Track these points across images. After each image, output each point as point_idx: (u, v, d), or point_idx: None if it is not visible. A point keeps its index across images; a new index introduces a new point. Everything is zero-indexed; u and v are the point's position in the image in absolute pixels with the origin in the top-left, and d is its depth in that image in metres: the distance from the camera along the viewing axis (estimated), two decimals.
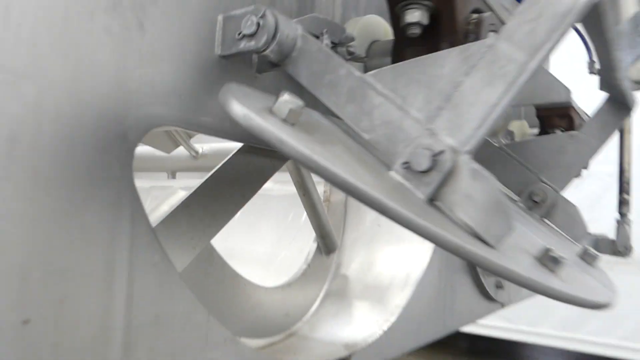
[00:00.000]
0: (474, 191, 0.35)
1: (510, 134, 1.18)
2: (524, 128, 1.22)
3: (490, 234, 0.36)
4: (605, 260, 2.75)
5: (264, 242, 1.06)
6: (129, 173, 0.38)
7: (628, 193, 1.13)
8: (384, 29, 0.62)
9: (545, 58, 0.35)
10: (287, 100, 0.33)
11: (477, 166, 0.36)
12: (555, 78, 0.95)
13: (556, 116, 0.96)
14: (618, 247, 1.09)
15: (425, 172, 0.36)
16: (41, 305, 0.33)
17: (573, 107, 0.96)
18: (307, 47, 0.44)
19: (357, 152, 0.38)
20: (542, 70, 0.94)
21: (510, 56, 0.35)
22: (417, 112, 0.38)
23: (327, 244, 0.87)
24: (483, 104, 0.35)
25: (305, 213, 0.90)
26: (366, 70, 0.60)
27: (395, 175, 0.37)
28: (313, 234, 0.92)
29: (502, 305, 1.19)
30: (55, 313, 0.34)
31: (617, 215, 1.24)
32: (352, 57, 0.56)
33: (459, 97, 0.37)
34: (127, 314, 0.38)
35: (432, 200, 0.37)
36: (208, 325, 0.44)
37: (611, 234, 4.04)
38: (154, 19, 0.41)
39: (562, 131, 0.94)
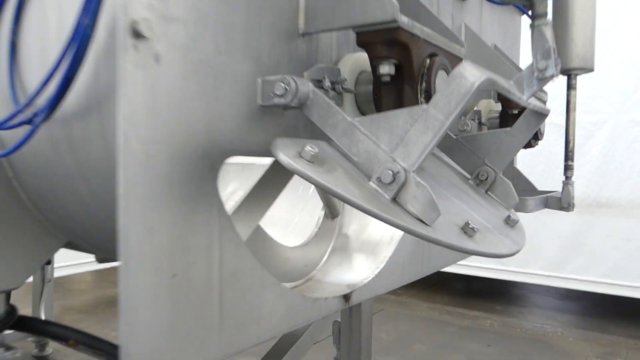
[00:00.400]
0: (417, 194, 0.62)
1: (478, 113, 1.43)
2: (490, 105, 1.47)
3: (427, 218, 0.62)
4: (588, 205, 3.11)
5: (281, 209, 1.33)
6: (215, 185, 0.65)
7: (572, 160, 1.38)
8: (368, 63, 0.87)
9: (456, 118, 0.61)
10: (308, 150, 0.60)
11: (418, 179, 0.62)
12: None
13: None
14: (563, 204, 1.35)
15: (389, 183, 0.63)
16: (180, 265, 0.60)
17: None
18: (316, 99, 0.69)
19: (350, 170, 0.65)
20: None
21: (435, 117, 0.61)
22: (384, 146, 0.64)
23: (331, 211, 1.15)
24: (421, 144, 0.62)
25: (312, 187, 1.17)
26: (356, 97, 0.85)
27: (372, 185, 0.64)
28: (319, 203, 1.19)
29: (475, 252, 1.47)
30: (188, 269, 0.61)
31: (564, 178, 1.47)
32: (345, 90, 0.82)
33: (408, 139, 0.63)
34: (220, 269, 0.65)
35: (394, 199, 0.63)
36: (262, 274, 0.72)
37: (596, 176, 4.37)
38: (225, 88, 0.66)
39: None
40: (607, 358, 3.63)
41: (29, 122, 0.76)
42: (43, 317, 3.26)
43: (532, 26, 0.76)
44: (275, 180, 0.85)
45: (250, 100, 0.70)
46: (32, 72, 0.84)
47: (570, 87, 1.34)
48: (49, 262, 3.28)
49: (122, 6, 0.54)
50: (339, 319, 2.11)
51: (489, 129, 1.34)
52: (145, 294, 0.57)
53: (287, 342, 1.86)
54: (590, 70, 1.34)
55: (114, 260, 1.34)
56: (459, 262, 4.35)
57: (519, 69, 1.55)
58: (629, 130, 4.22)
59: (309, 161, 0.59)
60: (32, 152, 0.86)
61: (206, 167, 0.64)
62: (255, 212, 0.81)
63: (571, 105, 1.36)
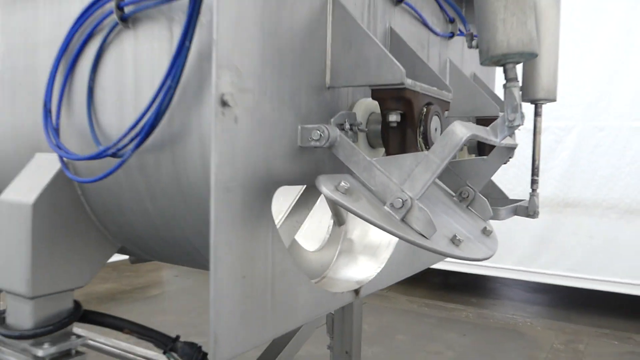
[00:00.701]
0: (419, 216, 0.85)
1: None
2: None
3: (427, 233, 0.85)
4: (557, 204, 3.43)
5: None
6: (270, 208, 0.87)
7: (537, 175, 1.63)
8: (376, 105, 1.09)
9: (448, 162, 0.84)
10: (342, 185, 0.82)
11: (421, 205, 0.85)
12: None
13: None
14: (529, 212, 1.60)
15: (399, 208, 0.86)
16: (247, 269, 0.82)
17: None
18: (342, 142, 0.92)
19: (370, 197, 0.87)
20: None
21: (433, 160, 0.84)
22: (395, 180, 0.87)
23: (339, 220, 1.37)
24: (423, 180, 0.85)
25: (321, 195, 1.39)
26: (367, 134, 1.07)
27: (387, 208, 0.87)
28: (327, 212, 1.42)
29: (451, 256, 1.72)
30: (252, 272, 0.83)
31: (531, 189, 1.71)
32: (360, 130, 1.04)
33: (413, 175, 0.86)
34: (272, 271, 0.88)
35: (402, 219, 0.86)
36: (299, 274, 0.94)
37: (564, 177, 4.67)
38: (277, 136, 0.88)
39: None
40: (570, 345, 3.96)
41: (113, 155, 0.97)
42: None
43: (504, 87, 1.00)
44: (307, 202, 1.07)
45: (293, 143, 0.92)
46: (107, 113, 1.04)
47: (536, 114, 1.58)
48: None
49: (214, 84, 0.75)
50: (332, 312, 2.35)
51: (469, 149, 1.58)
52: (226, 290, 0.79)
53: (291, 331, 2.09)
54: (554, 100, 1.58)
55: (146, 260, 1.53)
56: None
57: (494, 94, 1.79)
58: (593, 135, 4.54)
59: (343, 193, 0.82)
60: (99, 172, 1.06)
61: (265, 195, 0.86)
62: (293, 227, 1.03)
63: (537, 130, 1.60)
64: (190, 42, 0.85)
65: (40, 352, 1.07)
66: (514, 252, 4.86)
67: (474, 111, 1.54)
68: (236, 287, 0.81)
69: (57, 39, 1.11)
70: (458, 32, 1.59)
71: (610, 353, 3.81)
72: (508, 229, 4.77)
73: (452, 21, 1.57)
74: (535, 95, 1.53)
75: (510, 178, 4.35)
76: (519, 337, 4.12)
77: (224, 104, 0.76)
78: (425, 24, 1.40)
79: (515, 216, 1.53)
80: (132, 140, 0.94)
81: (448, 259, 4.43)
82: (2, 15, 1.24)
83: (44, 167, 1.12)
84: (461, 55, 1.67)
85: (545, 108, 3.84)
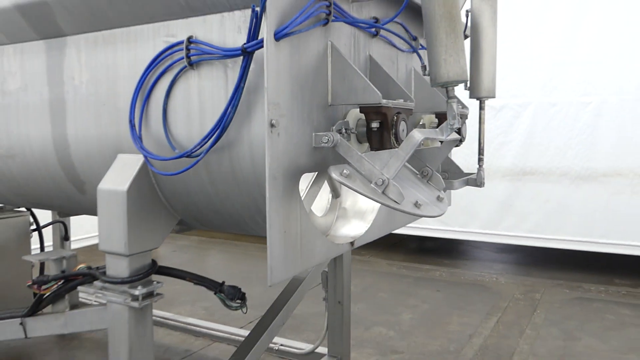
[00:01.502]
0: (393, 189, 1.35)
1: (423, 125, 2.15)
2: (432, 118, 2.20)
3: (399, 200, 1.36)
4: (516, 173, 4.12)
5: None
6: (298, 187, 1.36)
7: (483, 154, 2.13)
8: (362, 115, 1.58)
9: (410, 154, 1.34)
10: (345, 172, 1.31)
11: (394, 182, 1.35)
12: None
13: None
14: (477, 183, 2.11)
15: (380, 185, 1.35)
16: (286, 226, 1.32)
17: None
18: (342, 143, 1.40)
19: (361, 178, 1.37)
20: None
21: (401, 154, 1.34)
22: (377, 167, 1.37)
23: (335, 194, 1.87)
24: (394, 166, 1.35)
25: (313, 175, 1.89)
26: (357, 135, 1.56)
27: (373, 186, 1.36)
28: (327, 189, 1.92)
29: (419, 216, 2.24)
30: (289, 228, 1.32)
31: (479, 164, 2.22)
32: (352, 133, 1.53)
33: (389, 164, 1.35)
34: (300, 227, 1.37)
35: (383, 192, 1.36)
36: (316, 231, 1.44)
37: (522, 149, 5.29)
38: (300, 142, 1.36)
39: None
40: (529, 294, 4.58)
41: (188, 156, 1.44)
42: None
43: (447, 102, 1.49)
44: (318, 183, 1.56)
45: (310, 145, 1.40)
46: (178, 127, 1.51)
47: (481, 108, 2.08)
48: (67, 239, 3.88)
49: (266, 114, 1.23)
50: (326, 270, 2.86)
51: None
52: (275, 239, 1.28)
53: (294, 284, 2.60)
54: (493, 97, 2.07)
55: (192, 229, 2.00)
56: (412, 225, 5.20)
57: None
58: (547, 111, 5.10)
59: (345, 177, 1.31)
60: (174, 169, 1.53)
61: (295, 179, 1.35)
62: (310, 199, 1.51)
63: (481, 120, 2.10)
64: (244, 84, 1.32)
65: (136, 292, 1.56)
66: (480, 217, 5.45)
67: (434, 107, 2.04)
68: (280, 238, 1.30)
69: (134, 74, 1.56)
70: (419, 47, 2.07)
71: (561, 300, 4.44)
72: (475, 197, 5.34)
73: (414, 39, 2.05)
74: (479, 94, 2.03)
75: (475, 150, 4.90)
76: (485, 291, 4.73)
77: (272, 125, 1.24)
78: (394, 46, 1.88)
79: (481, 187, 2.01)
80: (201, 145, 1.41)
81: (423, 226, 5.05)
82: (87, 54, 1.68)
83: (129, 165, 1.59)
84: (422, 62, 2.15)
85: (505, 87, 4.54)
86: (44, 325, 1.91)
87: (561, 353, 3.39)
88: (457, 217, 5.45)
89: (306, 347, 3.05)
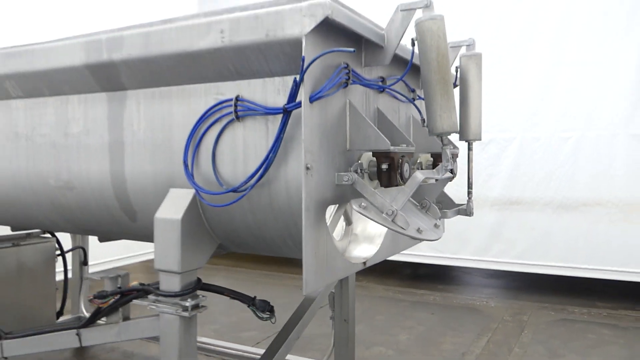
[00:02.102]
0: (400, 218, 1.69)
1: (420, 163, 2.51)
2: (427, 157, 2.56)
3: (404, 227, 1.70)
4: (504, 203, 4.54)
5: None
6: (325, 215, 1.70)
7: (472, 188, 2.49)
8: (373, 158, 1.93)
9: (414, 190, 1.69)
10: (363, 204, 1.66)
11: (401, 213, 1.69)
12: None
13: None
14: (467, 212, 2.47)
15: (390, 215, 1.70)
16: (317, 244, 1.65)
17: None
18: (358, 181, 1.75)
19: (375, 209, 1.72)
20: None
21: (406, 190, 1.69)
22: (388, 201, 1.72)
23: (348, 221, 2.22)
24: (402, 200, 1.70)
25: (335, 206, 2.24)
26: (369, 174, 1.91)
27: (384, 215, 1.71)
28: (339, 219, 2.26)
29: (419, 241, 2.58)
30: (319, 246, 1.66)
31: (468, 196, 2.58)
32: (365, 172, 1.88)
33: (397, 198, 1.70)
34: (327, 247, 1.71)
35: (392, 220, 1.70)
36: (336, 251, 1.78)
37: (509, 180, 5.73)
38: (326, 179, 1.71)
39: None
40: (517, 316, 4.90)
41: (234, 191, 1.78)
42: (83, 309, 4.15)
43: (442, 148, 1.85)
44: (339, 213, 1.91)
45: (333, 182, 1.75)
46: (225, 168, 1.85)
47: (469, 149, 2.46)
48: (86, 264, 4.18)
49: (303, 160, 1.58)
50: (333, 291, 3.18)
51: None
52: (309, 259, 1.62)
53: (306, 304, 2.91)
54: (479, 139, 2.45)
55: (229, 251, 2.31)
56: (407, 252, 5.54)
57: None
58: (531, 144, 5.51)
59: (363, 208, 1.66)
60: (221, 202, 1.87)
61: (323, 210, 1.69)
62: (332, 226, 1.85)
63: (470, 159, 2.47)
64: (283, 135, 1.68)
65: (186, 304, 1.88)
66: (471, 245, 5.79)
67: (429, 149, 2.40)
68: (312, 257, 1.63)
69: (187, 123, 1.91)
70: (417, 97, 2.45)
71: (547, 321, 4.77)
72: (466, 226, 5.68)
73: (412, 91, 2.43)
74: (467, 137, 2.40)
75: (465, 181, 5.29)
76: (476, 313, 5.04)
77: (307, 168, 1.59)
78: (397, 98, 2.25)
79: (470, 216, 2.36)
80: (246, 182, 1.76)
81: (417, 253, 5.46)
82: (145, 105, 2.03)
83: (181, 197, 1.92)
84: (419, 111, 2.53)
85: (492, 123, 5.08)
86: (99, 335, 2.21)
87: None
88: (449, 245, 5.79)
89: None
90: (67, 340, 2.27)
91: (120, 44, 1.96)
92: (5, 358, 3.43)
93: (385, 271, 6.44)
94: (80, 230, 2.54)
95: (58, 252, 3.81)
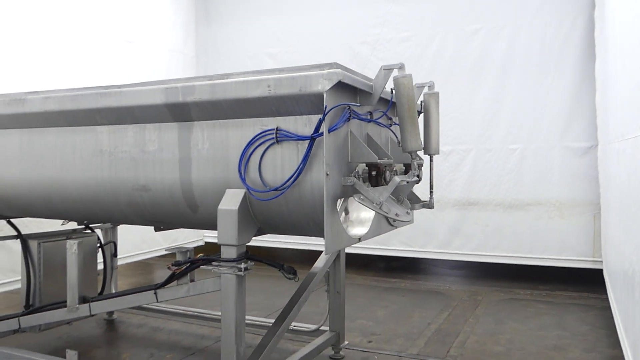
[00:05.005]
0: (385, 206, 2.65)
1: (396, 171, 3.47)
2: (401, 166, 3.52)
3: (388, 212, 2.65)
4: (462, 204, 5.74)
5: None
6: (337, 206, 2.64)
7: (432, 189, 3.47)
8: (367, 166, 2.88)
9: (392, 189, 2.64)
10: (362, 197, 2.61)
11: (385, 202, 2.64)
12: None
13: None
14: (430, 206, 3.44)
15: (378, 204, 2.65)
16: (333, 226, 2.59)
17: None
18: (357, 182, 2.69)
19: (368, 201, 2.67)
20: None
21: (388, 189, 2.65)
22: (377, 195, 2.67)
23: (346, 211, 3.17)
24: (385, 195, 2.65)
25: (341, 199, 3.19)
26: (362, 178, 2.85)
27: (375, 205, 2.66)
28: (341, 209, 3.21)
29: (395, 227, 3.53)
30: (334, 226, 2.60)
31: (429, 196, 3.56)
32: (360, 176, 2.82)
33: (382, 194, 2.66)
34: (339, 227, 2.65)
35: (380, 208, 2.65)
36: (343, 229, 2.72)
37: (467, 184, 6.93)
38: (337, 184, 2.64)
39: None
40: (473, 296, 5.92)
41: (275, 189, 2.71)
42: (113, 290, 4.97)
43: (411, 160, 2.81)
44: (344, 204, 2.85)
45: (340, 183, 2.68)
46: (267, 174, 2.77)
47: (430, 160, 3.44)
48: (116, 255, 5.02)
49: (324, 169, 2.52)
50: (328, 270, 4.11)
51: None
52: (328, 232, 2.55)
53: (309, 278, 3.82)
54: (438, 153, 3.44)
55: (266, 233, 3.23)
56: (381, 247, 6.57)
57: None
58: (484, 155, 6.59)
59: (362, 200, 2.61)
60: (265, 197, 2.78)
61: (335, 202, 2.63)
62: (340, 213, 2.78)
63: (431, 168, 3.45)
64: (309, 153, 2.61)
65: (241, 266, 2.78)
66: (435, 239, 6.82)
67: (402, 160, 3.37)
68: (330, 232, 2.56)
69: (240, 144, 2.82)
70: (393, 124, 3.41)
71: (497, 300, 5.80)
72: (432, 223, 6.74)
73: (390, 119, 3.40)
74: (429, 152, 3.38)
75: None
76: (440, 295, 6.04)
77: (327, 175, 2.53)
78: (379, 125, 3.21)
79: (436, 212, 3.34)
80: (284, 184, 2.68)
81: (391, 247, 6.62)
82: (208, 132, 2.93)
83: (236, 195, 2.83)
84: (394, 132, 3.50)
85: (453, 136, 6.44)
86: (172, 293, 3.08)
87: (492, 332, 4.71)
88: (417, 240, 6.80)
89: (312, 326, 4.26)
90: (146, 298, 3.14)
91: (192, 91, 2.87)
92: (111, 314, 4.22)
93: (362, 264, 7.42)
94: (147, 221, 3.40)
95: (98, 244, 4.64)
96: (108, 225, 4.96)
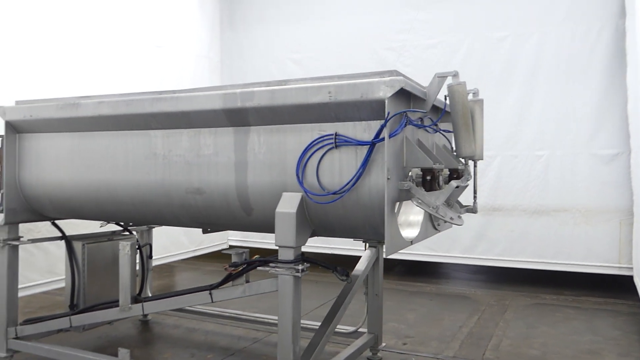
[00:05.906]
0: (441, 210, 2.72)
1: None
2: (446, 171, 3.59)
3: (443, 215, 2.72)
4: (487, 209, 5.81)
5: None
6: (395, 208, 2.71)
7: (476, 193, 3.53)
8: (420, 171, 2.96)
9: (449, 194, 2.71)
10: (420, 201, 2.69)
11: (441, 206, 2.71)
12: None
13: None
14: (474, 210, 3.51)
15: (434, 208, 2.72)
16: (393, 226, 2.66)
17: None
18: (413, 187, 2.77)
19: (425, 205, 2.74)
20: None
21: (444, 193, 2.72)
22: (433, 200, 2.74)
23: (397, 213, 3.25)
24: (441, 199, 2.72)
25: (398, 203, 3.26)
26: (417, 182, 2.93)
27: (432, 208, 2.73)
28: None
29: (439, 231, 3.60)
30: (394, 228, 2.67)
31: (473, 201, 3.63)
32: (414, 181, 2.90)
33: (438, 198, 2.73)
34: (397, 230, 2.72)
35: (436, 212, 2.72)
36: (399, 231, 2.80)
37: (492, 190, 7.01)
38: (396, 185, 2.72)
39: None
40: (500, 301, 5.97)
41: (334, 193, 2.78)
42: (149, 294, 5.04)
43: (465, 166, 2.88)
44: (400, 207, 2.93)
45: (397, 187, 2.76)
46: (325, 178, 2.84)
47: (475, 166, 3.51)
48: (151, 257, 5.10)
49: (385, 172, 2.59)
50: (367, 274, 4.17)
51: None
52: (389, 235, 2.62)
53: (349, 286, 3.89)
54: (482, 159, 3.51)
55: (319, 236, 3.30)
56: (405, 251, 6.60)
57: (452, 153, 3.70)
58: (510, 161, 6.65)
59: (419, 204, 2.68)
60: (323, 201, 2.85)
61: (394, 205, 2.70)
62: (397, 215, 2.87)
63: (475, 173, 3.52)
64: (369, 158, 2.69)
65: (299, 267, 2.85)
66: (460, 244, 6.88)
67: (449, 165, 3.44)
68: (390, 235, 2.64)
69: (298, 149, 2.90)
70: (438, 129, 3.49)
71: (524, 304, 5.85)
72: (456, 228, 6.77)
73: (435, 124, 3.47)
74: (474, 157, 3.46)
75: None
76: (467, 300, 6.10)
77: (388, 178, 2.60)
78: (428, 131, 3.28)
79: (475, 213, 3.41)
80: (343, 188, 2.75)
81: (412, 250, 6.64)
82: (265, 136, 3.01)
83: (294, 198, 2.90)
84: (439, 138, 3.57)
85: None
86: (227, 294, 3.16)
87: (525, 336, 4.76)
88: (442, 244, 6.86)
89: (350, 328, 4.33)
90: (200, 298, 3.22)
91: (251, 97, 2.95)
92: (146, 315, 4.31)
93: (385, 269, 7.46)
94: (198, 223, 3.48)
95: (137, 246, 4.72)
96: (144, 227, 5.04)
